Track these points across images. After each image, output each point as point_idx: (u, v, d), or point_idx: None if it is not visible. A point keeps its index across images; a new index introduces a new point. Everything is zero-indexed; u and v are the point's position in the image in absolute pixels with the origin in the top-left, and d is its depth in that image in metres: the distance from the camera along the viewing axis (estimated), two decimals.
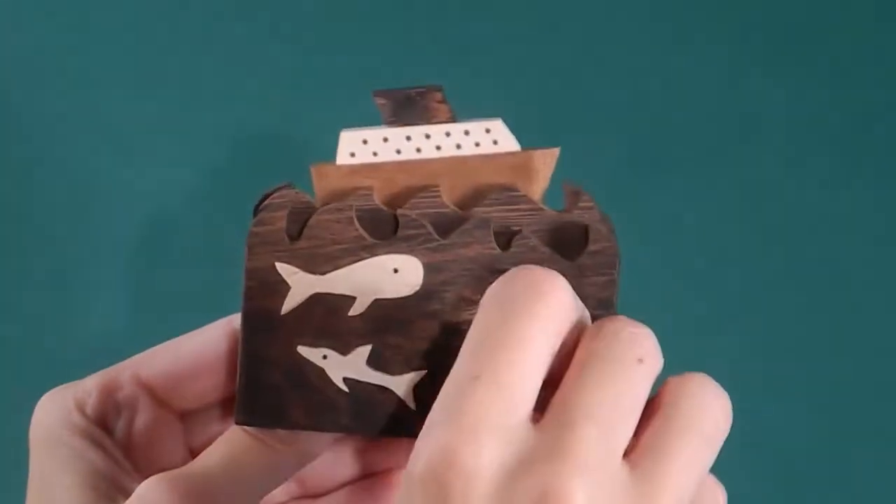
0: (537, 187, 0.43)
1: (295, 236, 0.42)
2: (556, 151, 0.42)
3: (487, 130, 0.42)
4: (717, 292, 0.67)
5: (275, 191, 0.43)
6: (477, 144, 0.42)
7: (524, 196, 0.42)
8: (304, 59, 0.67)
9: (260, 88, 0.66)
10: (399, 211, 0.42)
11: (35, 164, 0.66)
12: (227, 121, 0.66)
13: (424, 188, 0.42)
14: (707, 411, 0.37)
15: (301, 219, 0.42)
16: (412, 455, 0.36)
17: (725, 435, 0.37)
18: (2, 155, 0.66)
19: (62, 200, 0.66)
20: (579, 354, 0.37)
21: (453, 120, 0.42)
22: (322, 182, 0.42)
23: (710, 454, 0.37)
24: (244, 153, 0.65)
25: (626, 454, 0.36)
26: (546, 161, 0.42)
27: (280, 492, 0.47)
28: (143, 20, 0.67)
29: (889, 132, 0.67)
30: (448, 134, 0.42)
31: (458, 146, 0.42)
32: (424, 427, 0.36)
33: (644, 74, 0.68)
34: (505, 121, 0.43)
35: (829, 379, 0.66)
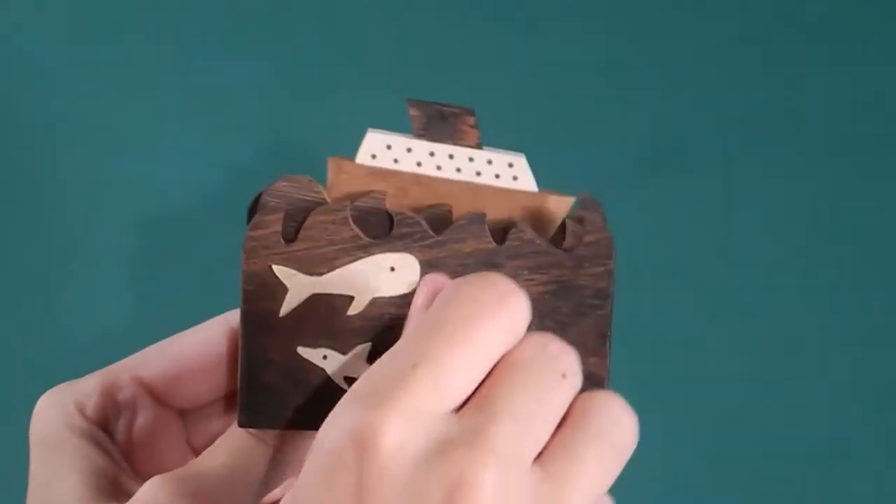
0: (547, 231, 0.43)
1: (291, 238, 0.42)
2: (571, 200, 0.42)
3: (510, 165, 0.42)
4: (717, 292, 0.67)
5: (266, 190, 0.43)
6: (497, 176, 0.42)
7: None
8: (311, 59, 0.66)
9: (261, 87, 0.66)
10: (394, 209, 0.42)
11: (34, 163, 0.65)
12: (228, 120, 0.66)
13: (436, 206, 0.42)
14: (616, 424, 0.37)
15: (297, 220, 0.42)
16: (327, 423, 0.35)
17: (631, 451, 0.38)
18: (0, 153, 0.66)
19: (60, 198, 0.66)
20: (507, 359, 0.37)
21: (479, 146, 0.42)
22: (338, 176, 0.42)
23: (617, 465, 0.37)
24: (245, 151, 0.65)
25: (538, 458, 0.36)
26: (560, 207, 0.42)
27: (282, 490, 0.47)
28: (147, 18, 0.66)
29: (889, 132, 0.67)
30: (471, 159, 0.42)
31: (478, 173, 0.42)
32: (347, 396, 0.36)
33: (643, 74, 0.67)
34: (528, 157, 0.42)
35: (828, 379, 0.66)
